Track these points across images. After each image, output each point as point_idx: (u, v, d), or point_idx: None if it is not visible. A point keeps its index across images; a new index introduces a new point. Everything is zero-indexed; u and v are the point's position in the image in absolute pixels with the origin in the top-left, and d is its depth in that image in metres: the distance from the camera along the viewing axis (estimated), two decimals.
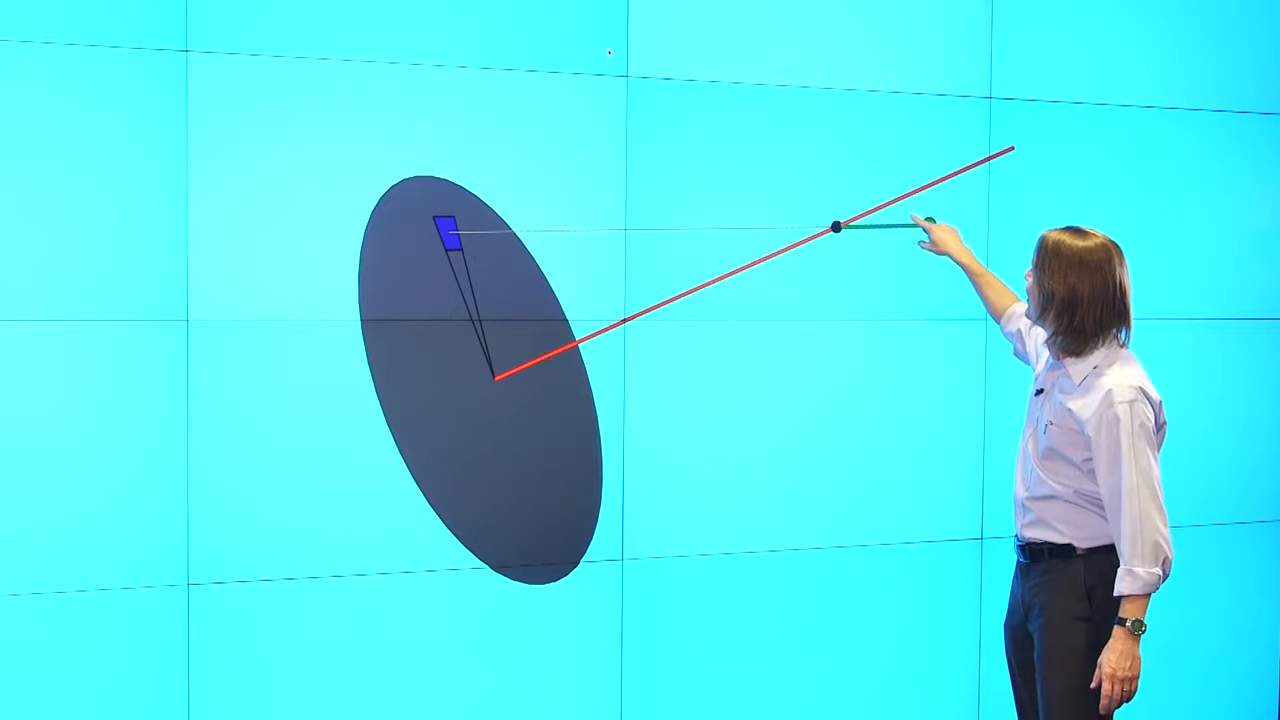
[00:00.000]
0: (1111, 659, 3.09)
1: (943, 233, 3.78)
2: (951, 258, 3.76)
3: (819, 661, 4.10)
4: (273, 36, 3.50)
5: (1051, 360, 3.28)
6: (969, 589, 4.24)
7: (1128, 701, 3.13)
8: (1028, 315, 3.35)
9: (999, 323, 3.69)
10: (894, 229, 3.94)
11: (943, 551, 4.21)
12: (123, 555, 3.44)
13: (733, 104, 3.91)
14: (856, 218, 3.96)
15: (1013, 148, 4.17)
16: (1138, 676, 3.10)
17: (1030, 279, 3.28)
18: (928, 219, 3.83)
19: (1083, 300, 3.17)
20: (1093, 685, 3.14)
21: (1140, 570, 3.07)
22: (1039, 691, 3.28)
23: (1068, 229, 3.26)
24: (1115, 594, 3.11)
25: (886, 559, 4.15)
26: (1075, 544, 3.22)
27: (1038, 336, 3.46)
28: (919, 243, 3.82)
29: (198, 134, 3.44)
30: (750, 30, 3.92)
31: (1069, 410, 3.18)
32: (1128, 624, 3.09)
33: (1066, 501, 3.22)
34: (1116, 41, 4.31)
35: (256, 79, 3.49)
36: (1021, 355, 3.61)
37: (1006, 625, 3.43)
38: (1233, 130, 4.45)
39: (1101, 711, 3.14)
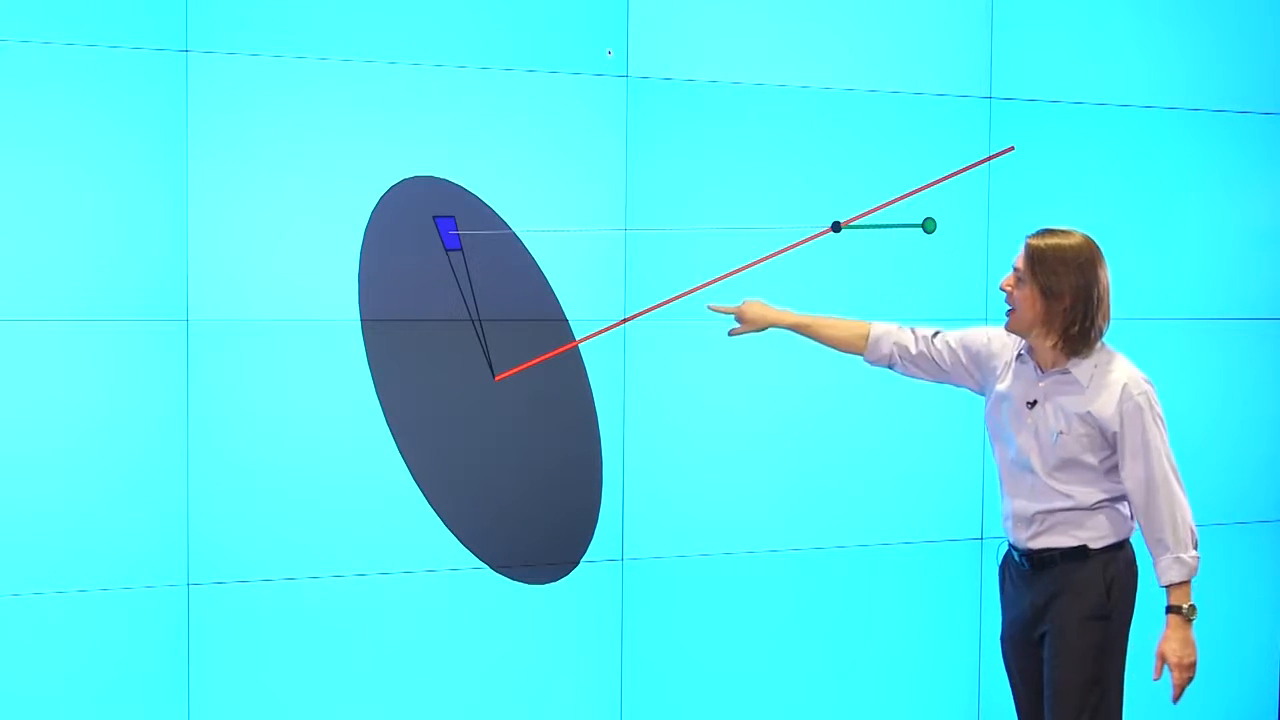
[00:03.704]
0: (1175, 648, 3.12)
1: (751, 309, 3.51)
2: (780, 326, 3.50)
3: (819, 661, 4.09)
4: (273, 36, 3.50)
5: (1036, 371, 3.22)
6: (969, 589, 4.24)
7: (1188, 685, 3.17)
8: (1011, 329, 3.21)
9: (863, 355, 3.45)
10: (894, 229, 3.94)
11: (943, 551, 4.21)
12: (123, 555, 3.44)
13: (733, 104, 3.91)
14: (856, 218, 3.96)
15: (1013, 148, 4.17)
16: (1197, 660, 3.14)
17: (1018, 289, 3.18)
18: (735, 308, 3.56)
19: (1095, 296, 3.15)
20: (1155, 679, 3.17)
21: (1186, 556, 3.12)
22: (1048, 693, 3.25)
23: (1048, 231, 3.20)
24: (1164, 583, 3.13)
25: (886, 559, 4.14)
26: (1089, 545, 3.21)
27: (986, 350, 3.33)
28: (729, 332, 3.53)
29: (198, 134, 3.44)
30: (750, 30, 3.92)
31: (1087, 413, 3.14)
32: (1184, 610, 3.11)
33: (1083, 509, 3.20)
34: (1116, 41, 4.31)
35: (256, 79, 3.49)
36: (928, 373, 3.42)
37: (1005, 638, 3.39)
38: (1233, 130, 4.45)
39: (1174, 702, 3.17)
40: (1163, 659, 3.14)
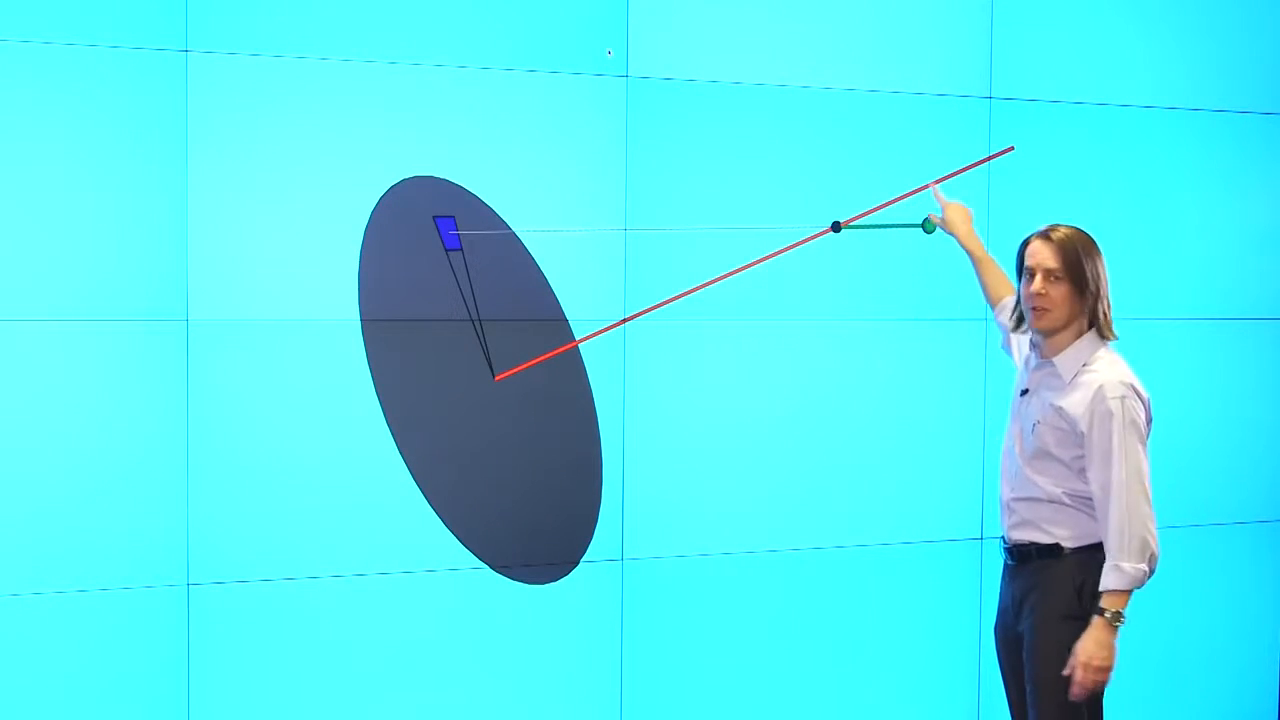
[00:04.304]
0: (1088, 647, 3.07)
1: (955, 212, 3.76)
2: (957, 239, 3.72)
3: (819, 661, 4.10)
4: (273, 36, 3.50)
5: (1036, 360, 3.26)
6: (969, 589, 4.24)
7: (1097, 692, 3.12)
8: (1044, 328, 3.20)
9: (993, 308, 3.68)
10: (894, 229, 3.94)
11: (943, 551, 4.21)
12: (123, 555, 3.44)
13: (733, 104, 3.91)
14: (856, 218, 3.96)
15: (1013, 148, 4.17)
16: (1111, 669, 3.08)
17: (1049, 289, 3.16)
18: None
19: (1106, 281, 3.21)
20: (1065, 672, 3.12)
21: (1127, 566, 3.07)
22: (1028, 690, 3.26)
23: (1056, 227, 3.23)
24: (1100, 588, 3.10)
25: (886, 559, 4.15)
26: (1063, 543, 3.22)
27: (1019, 336, 3.45)
28: (929, 215, 3.82)
29: (198, 134, 3.44)
30: (750, 30, 3.92)
31: (1059, 408, 3.16)
32: (1107, 614, 3.08)
33: (1053, 503, 3.21)
34: (1116, 41, 4.31)
35: (256, 79, 3.49)
36: (1006, 347, 3.62)
37: (996, 630, 3.43)
38: (1233, 130, 4.45)
39: (1072, 699, 3.11)
40: (1073, 655, 3.09)
